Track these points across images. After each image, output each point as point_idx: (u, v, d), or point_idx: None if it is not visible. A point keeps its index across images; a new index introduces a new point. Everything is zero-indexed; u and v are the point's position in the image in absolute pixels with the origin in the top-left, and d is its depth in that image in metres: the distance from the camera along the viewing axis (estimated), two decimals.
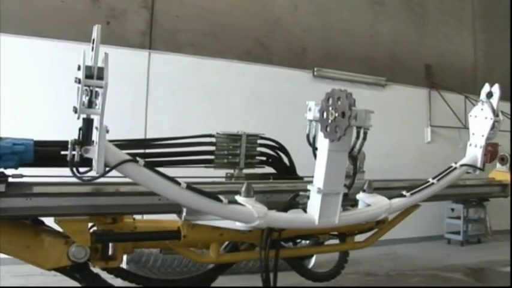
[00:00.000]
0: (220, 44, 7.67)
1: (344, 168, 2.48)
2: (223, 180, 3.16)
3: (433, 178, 3.27)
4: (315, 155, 2.52)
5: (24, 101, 6.18)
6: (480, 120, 3.47)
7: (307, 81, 8.29)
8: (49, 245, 2.53)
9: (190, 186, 2.17)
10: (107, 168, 2.06)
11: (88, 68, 1.98)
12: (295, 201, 2.66)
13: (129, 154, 2.84)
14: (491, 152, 9.93)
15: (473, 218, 9.14)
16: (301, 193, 2.64)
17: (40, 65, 6.33)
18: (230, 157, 3.15)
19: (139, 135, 6.86)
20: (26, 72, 6.22)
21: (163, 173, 2.16)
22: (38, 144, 2.44)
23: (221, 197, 2.29)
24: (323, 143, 2.37)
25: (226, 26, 7.72)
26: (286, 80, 8.08)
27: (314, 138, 2.57)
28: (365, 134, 2.45)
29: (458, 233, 8.74)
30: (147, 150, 3.05)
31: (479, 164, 3.47)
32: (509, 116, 9.52)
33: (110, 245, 2.75)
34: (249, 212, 2.29)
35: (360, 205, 2.84)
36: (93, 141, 2.04)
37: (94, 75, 1.98)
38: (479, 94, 3.80)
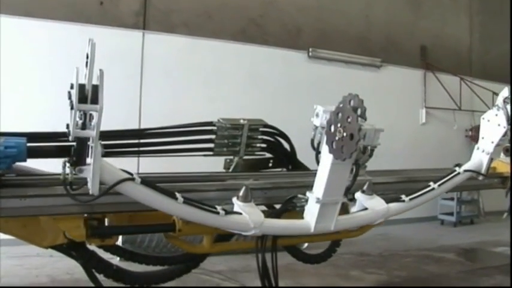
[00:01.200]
0: (215, 24, 7.61)
1: (346, 180, 2.40)
2: (222, 173, 3.04)
3: (435, 182, 3.16)
4: (317, 161, 2.46)
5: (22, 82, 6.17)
6: (492, 125, 3.30)
7: (302, 61, 8.26)
8: (45, 224, 2.54)
9: (187, 201, 2.18)
10: (104, 186, 2.00)
11: (82, 88, 1.86)
12: (293, 203, 2.64)
13: (126, 145, 2.81)
14: None
15: (466, 200, 9.22)
16: (299, 195, 2.61)
17: (33, 46, 6.28)
18: (230, 144, 3.03)
19: (134, 117, 6.85)
20: (20, 53, 6.19)
21: (161, 188, 2.14)
22: (32, 136, 2.44)
23: (218, 208, 2.27)
24: (327, 155, 2.28)
25: (221, 6, 7.66)
26: (281, 61, 8.05)
27: (319, 144, 2.51)
28: (372, 151, 2.42)
29: (451, 214, 8.84)
30: (145, 140, 2.94)
31: (483, 170, 3.36)
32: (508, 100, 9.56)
33: (106, 222, 2.78)
34: (244, 222, 2.30)
35: (357, 206, 2.79)
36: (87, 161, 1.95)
37: (88, 98, 1.87)
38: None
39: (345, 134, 2.11)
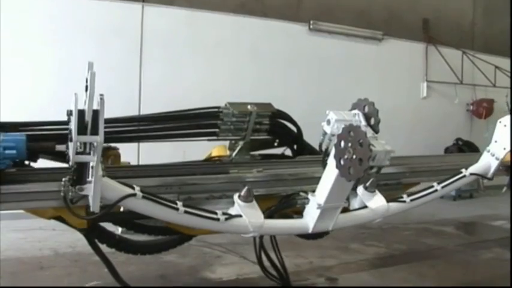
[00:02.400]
0: None
1: (349, 189, 2.38)
2: (225, 164, 2.95)
3: (438, 183, 3.14)
4: (323, 164, 2.43)
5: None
6: (508, 131, 3.24)
7: (303, 34, 8.18)
8: None
9: (188, 211, 2.18)
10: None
11: (81, 116, 1.81)
12: (293, 200, 2.65)
13: (128, 130, 2.77)
14: (486, 108, 9.99)
15: None
16: (301, 193, 2.61)
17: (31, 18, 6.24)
18: (236, 130, 2.95)
19: (133, 92, 6.82)
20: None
21: (162, 201, 2.13)
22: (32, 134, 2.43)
23: (218, 213, 2.26)
24: (333, 166, 2.21)
25: None
26: (282, 34, 7.96)
27: (327, 149, 2.48)
28: (379, 169, 2.42)
29: None
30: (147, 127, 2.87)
31: (490, 174, 3.32)
32: (508, 73, 9.50)
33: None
34: (244, 225, 2.31)
35: (357, 202, 2.78)
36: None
37: (88, 127, 1.82)
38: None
39: (354, 157, 2.06)
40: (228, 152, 3.13)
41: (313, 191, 2.43)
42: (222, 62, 7.46)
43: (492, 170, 3.22)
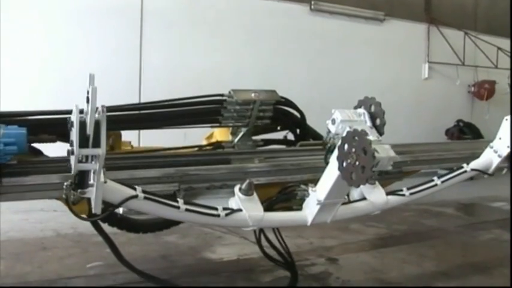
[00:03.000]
0: None
1: (350, 187, 2.40)
2: (226, 152, 2.91)
3: (439, 177, 3.14)
4: (326, 160, 2.36)
5: None
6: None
7: (304, 14, 8.11)
8: None
9: (189, 208, 2.20)
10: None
11: (82, 129, 1.79)
12: (294, 192, 2.61)
13: (130, 116, 2.72)
14: (487, 89, 9.95)
15: None
16: (302, 185, 2.59)
17: None
18: (239, 117, 2.91)
19: (133, 73, 6.79)
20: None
21: (163, 200, 2.15)
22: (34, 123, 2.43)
23: (219, 209, 2.28)
24: (335, 165, 2.21)
25: None
26: (283, 14, 7.90)
27: (330, 146, 2.47)
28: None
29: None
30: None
31: (491, 171, 3.31)
32: (508, 54, 9.44)
33: None
34: (243, 220, 2.34)
35: (356, 193, 2.78)
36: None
37: (90, 140, 1.81)
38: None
39: (357, 163, 2.05)
40: (230, 137, 3.10)
41: (314, 183, 2.45)
42: (223, 42, 7.41)
43: (493, 166, 3.22)
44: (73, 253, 4.00)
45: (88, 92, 1.77)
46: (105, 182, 1.91)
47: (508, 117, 3.17)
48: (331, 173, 2.26)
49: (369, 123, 2.27)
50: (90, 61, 6.41)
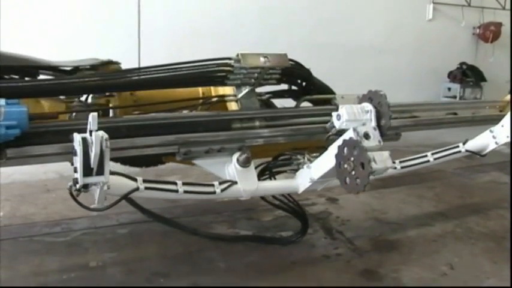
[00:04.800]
0: None
1: None
2: (228, 114, 2.84)
3: (432, 154, 3.20)
4: (326, 143, 2.46)
5: None
6: None
7: None
8: (49, 108, 2.59)
9: (187, 190, 2.32)
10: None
11: (86, 160, 1.86)
12: (290, 160, 2.71)
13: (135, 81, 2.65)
14: (493, 31, 9.74)
15: (469, 98, 9.20)
16: (299, 156, 2.66)
17: None
18: (245, 79, 2.82)
19: (132, 20, 6.65)
20: None
21: (163, 187, 2.28)
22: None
23: (215, 185, 2.40)
24: (334, 149, 2.29)
25: None
26: None
27: (330, 135, 2.49)
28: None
29: None
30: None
31: (484, 153, 3.34)
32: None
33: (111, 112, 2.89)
34: (238, 191, 2.46)
35: None
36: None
37: (94, 170, 1.88)
38: None
39: (353, 173, 2.14)
40: (234, 90, 3.04)
41: (310, 151, 2.61)
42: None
43: (488, 149, 3.33)
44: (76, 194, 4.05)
45: (90, 124, 1.85)
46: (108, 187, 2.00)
47: None
48: (328, 160, 2.37)
49: (373, 124, 2.29)
50: (88, 13, 6.33)
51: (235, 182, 2.46)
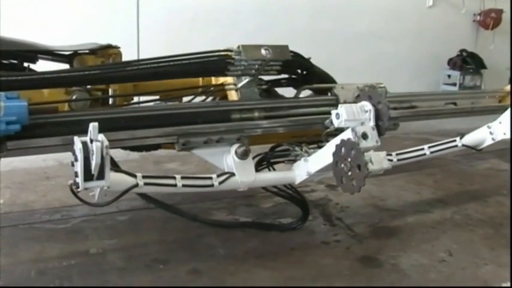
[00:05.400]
0: None
1: None
2: (227, 104, 2.83)
3: (429, 147, 3.23)
4: (325, 138, 2.52)
5: None
6: None
7: None
8: (49, 95, 2.60)
9: (185, 184, 2.36)
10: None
11: (87, 165, 1.90)
12: (288, 152, 2.77)
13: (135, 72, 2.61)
14: (494, 18, 9.70)
15: (469, 86, 9.19)
16: (296, 148, 2.71)
17: None
18: (245, 70, 2.79)
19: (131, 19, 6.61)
20: None
21: (161, 182, 2.31)
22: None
23: (213, 178, 2.44)
24: (332, 147, 2.32)
25: None
26: None
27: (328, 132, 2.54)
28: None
29: None
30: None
31: (480, 147, 3.35)
32: None
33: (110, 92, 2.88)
34: (236, 183, 2.51)
35: None
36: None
37: (95, 175, 1.93)
38: None
39: (349, 173, 2.18)
40: (235, 79, 3.01)
41: (308, 147, 2.66)
42: None
43: (484, 145, 3.33)
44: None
45: (91, 133, 1.90)
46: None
47: None
48: (326, 156, 2.40)
49: (372, 123, 2.30)
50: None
51: (233, 174, 2.50)
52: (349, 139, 2.20)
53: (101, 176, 1.95)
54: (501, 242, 3.13)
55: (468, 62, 9.06)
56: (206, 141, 2.49)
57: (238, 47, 2.64)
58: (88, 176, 1.93)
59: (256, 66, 2.68)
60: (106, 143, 1.92)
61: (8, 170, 4.21)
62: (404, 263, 2.82)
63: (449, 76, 9.21)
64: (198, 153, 2.54)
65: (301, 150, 2.66)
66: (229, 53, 2.64)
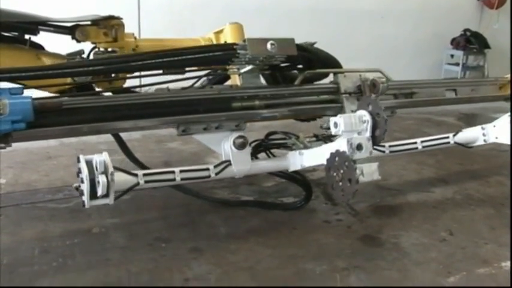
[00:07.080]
0: None
1: None
2: (227, 92, 2.75)
3: (422, 141, 3.26)
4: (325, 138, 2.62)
5: None
6: (508, 125, 3.22)
7: None
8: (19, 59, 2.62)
9: (184, 177, 2.45)
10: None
11: (93, 184, 2.05)
12: (284, 141, 2.86)
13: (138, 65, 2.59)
14: None
15: (472, 66, 9.13)
16: (293, 139, 2.80)
17: None
18: (249, 61, 2.77)
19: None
20: None
21: (161, 178, 2.41)
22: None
23: (210, 168, 2.53)
24: (327, 151, 2.37)
25: None
26: None
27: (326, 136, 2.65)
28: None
29: None
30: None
31: (471, 145, 3.45)
32: None
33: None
34: (232, 172, 2.59)
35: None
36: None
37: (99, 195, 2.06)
38: None
39: (340, 184, 2.24)
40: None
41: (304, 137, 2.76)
42: None
43: (476, 144, 3.43)
44: None
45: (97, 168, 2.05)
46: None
47: (510, 113, 3.21)
48: (320, 157, 2.48)
49: (368, 134, 2.35)
50: None
51: (229, 164, 2.57)
52: (344, 152, 2.24)
53: (106, 195, 2.09)
54: (501, 222, 3.15)
55: (472, 42, 8.97)
56: (206, 128, 2.55)
57: (244, 40, 2.62)
58: (94, 196, 2.07)
59: (261, 58, 2.65)
60: (111, 169, 2.07)
61: (10, 149, 4.16)
62: (405, 242, 2.84)
63: (452, 56, 9.13)
64: (198, 138, 2.61)
65: (298, 140, 2.75)
66: (234, 47, 2.62)
